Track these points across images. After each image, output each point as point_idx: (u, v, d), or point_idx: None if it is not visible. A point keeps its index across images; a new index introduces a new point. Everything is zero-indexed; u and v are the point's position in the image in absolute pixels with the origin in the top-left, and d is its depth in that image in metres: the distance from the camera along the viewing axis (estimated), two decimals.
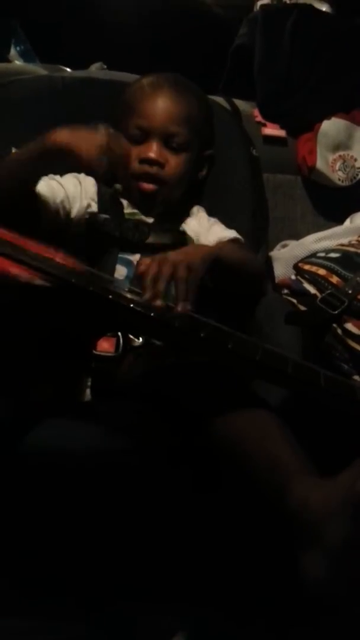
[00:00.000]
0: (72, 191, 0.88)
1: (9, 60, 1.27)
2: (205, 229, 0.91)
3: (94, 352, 0.73)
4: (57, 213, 0.87)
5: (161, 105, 0.89)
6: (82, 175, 0.90)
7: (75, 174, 0.90)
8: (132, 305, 0.63)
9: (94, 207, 0.88)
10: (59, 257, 0.76)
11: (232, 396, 0.64)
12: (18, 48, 1.26)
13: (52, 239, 0.84)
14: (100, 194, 0.89)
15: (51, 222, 0.86)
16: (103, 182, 0.90)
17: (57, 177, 0.89)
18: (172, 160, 0.87)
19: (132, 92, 0.92)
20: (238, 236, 0.91)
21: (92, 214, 0.87)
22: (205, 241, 0.90)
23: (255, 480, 0.58)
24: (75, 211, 0.88)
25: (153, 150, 0.87)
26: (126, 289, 0.70)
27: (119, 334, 0.75)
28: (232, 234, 0.91)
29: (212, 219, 0.94)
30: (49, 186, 0.87)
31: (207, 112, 0.94)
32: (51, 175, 0.88)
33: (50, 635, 0.73)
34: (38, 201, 0.84)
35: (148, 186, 0.87)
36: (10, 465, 0.66)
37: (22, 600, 0.71)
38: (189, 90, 0.92)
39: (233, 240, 0.90)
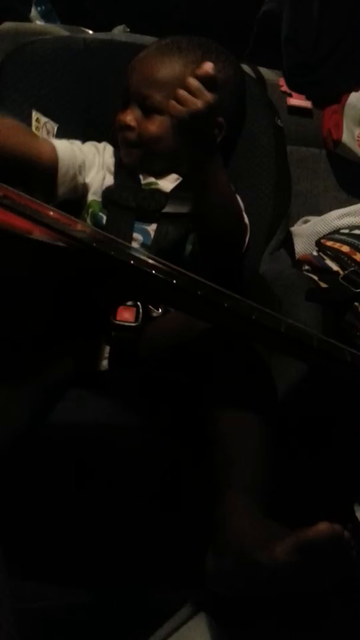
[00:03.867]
0: (90, 159, 0.87)
1: (30, 20, 1.24)
2: None
3: (115, 321, 0.72)
4: (73, 178, 0.85)
5: (139, 67, 0.86)
6: (101, 145, 0.89)
7: (95, 143, 0.89)
8: (154, 271, 0.61)
9: (110, 179, 0.87)
10: (79, 225, 0.75)
11: (240, 387, 0.65)
12: (39, 8, 1.23)
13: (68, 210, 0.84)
14: (117, 163, 0.88)
15: (62, 186, 0.84)
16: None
17: (78, 142, 0.88)
18: (143, 123, 0.85)
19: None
20: (247, 223, 0.88)
21: (108, 187, 0.86)
22: None
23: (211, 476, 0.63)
24: (89, 179, 0.86)
25: (125, 114, 0.85)
26: (146, 255, 0.68)
27: (139, 303, 0.74)
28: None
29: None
30: (70, 149, 0.85)
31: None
32: (72, 141, 0.87)
33: (62, 599, 0.74)
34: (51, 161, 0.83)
35: (122, 148, 0.86)
36: (27, 440, 0.66)
37: (38, 565, 0.71)
38: (183, 52, 0.86)
39: None
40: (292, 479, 0.70)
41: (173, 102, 0.72)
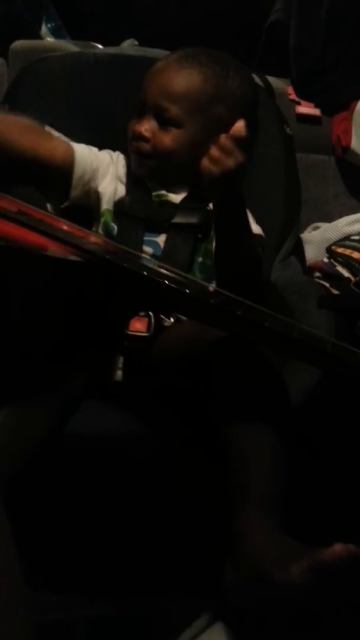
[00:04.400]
0: (104, 167, 0.88)
1: (40, 38, 1.26)
2: None
3: (127, 331, 0.73)
4: (87, 183, 0.86)
5: (157, 79, 0.86)
6: (115, 154, 0.90)
7: (110, 152, 0.90)
8: (166, 281, 0.62)
9: (122, 189, 0.88)
10: (92, 237, 0.76)
11: (252, 398, 0.65)
12: (49, 25, 1.25)
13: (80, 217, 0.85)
14: (128, 174, 0.89)
15: (76, 189, 0.86)
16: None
17: (95, 148, 0.89)
18: (159, 135, 0.85)
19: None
20: (260, 233, 0.89)
21: (119, 199, 0.87)
22: None
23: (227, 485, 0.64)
24: (102, 188, 0.87)
25: (140, 124, 0.85)
26: (157, 266, 0.69)
27: (151, 313, 0.74)
28: (255, 229, 0.88)
29: None
30: (87, 154, 0.87)
31: (221, 90, 0.87)
32: (89, 146, 0.88)
33: (78, 611, 0.74)
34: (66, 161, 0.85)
35: (134, 157, 0.86)
36: (44, 453, 0.67)
37: (54, 576, 0.71)
38: (201, 65, 0.86)
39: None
40: (304, 488, 0.70)
41: (206, 162, 0.73)
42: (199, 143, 0.84)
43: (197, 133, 0.85)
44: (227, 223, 0.79)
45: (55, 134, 0.91)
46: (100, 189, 0.87)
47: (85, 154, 0.87)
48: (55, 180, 0.85)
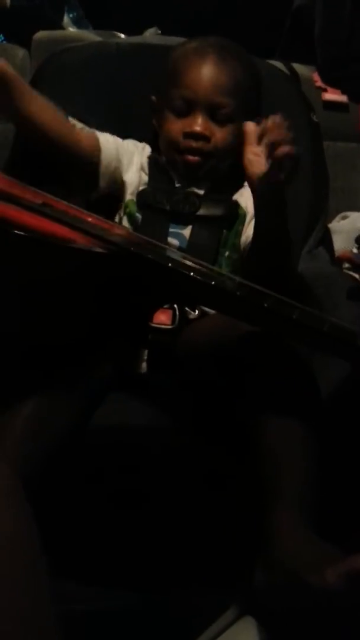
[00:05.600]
0: (129, 156, 0.88)
1: (62, 28, 1.26)
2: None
3: (151, 324, 0.72)
4: (115, 171, 0.86)
5: (206, 75, 0.85)
6: (141, 145, 0.89)
7: (136, 142, 0.89)
8: (192, 273, 0.61)
9: (145, 178, 0.87)
10: (116, 229, 0.75)
11: (283, 392, 0.64)
12: (71, 15, 1.24)
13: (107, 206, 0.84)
14: (151, 164, 0.88)
15: (104, 178, 0.86)
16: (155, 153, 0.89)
17: (118, 138, 0.89)
18: (218, 133, 0.84)
19: (176, 59, 0.88)
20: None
21: (142, 190, 0.86)
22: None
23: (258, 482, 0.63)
24: (127, 178, 0.87)
25: (198, 124, 0.84)
26: (182, 257, 0.68)
27: (176, 306, 0.74)
28: None
29: None
30: (113, 142, 0.87)
31: (253, 79, 0.89)
32: (113, 135, 0.88)
33: (106, 601, 0.74)
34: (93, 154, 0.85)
35: (193, 159, 0.85)
36: (71, 446, 0.66)
37: (82, 566, 0.71)
38: (236, 56, 0.87)
39: None
40: (336, 488, 0.68)
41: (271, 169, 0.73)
42: (241, 134, 0.83)
43: (242, 126, 0.83)
44: (271, 222, 0.78)
45: (79, 125, 0.90)
46: (126, 178, 0.87)
47: (109, 141, 0.87)
48: (84, 171, 0.85)
